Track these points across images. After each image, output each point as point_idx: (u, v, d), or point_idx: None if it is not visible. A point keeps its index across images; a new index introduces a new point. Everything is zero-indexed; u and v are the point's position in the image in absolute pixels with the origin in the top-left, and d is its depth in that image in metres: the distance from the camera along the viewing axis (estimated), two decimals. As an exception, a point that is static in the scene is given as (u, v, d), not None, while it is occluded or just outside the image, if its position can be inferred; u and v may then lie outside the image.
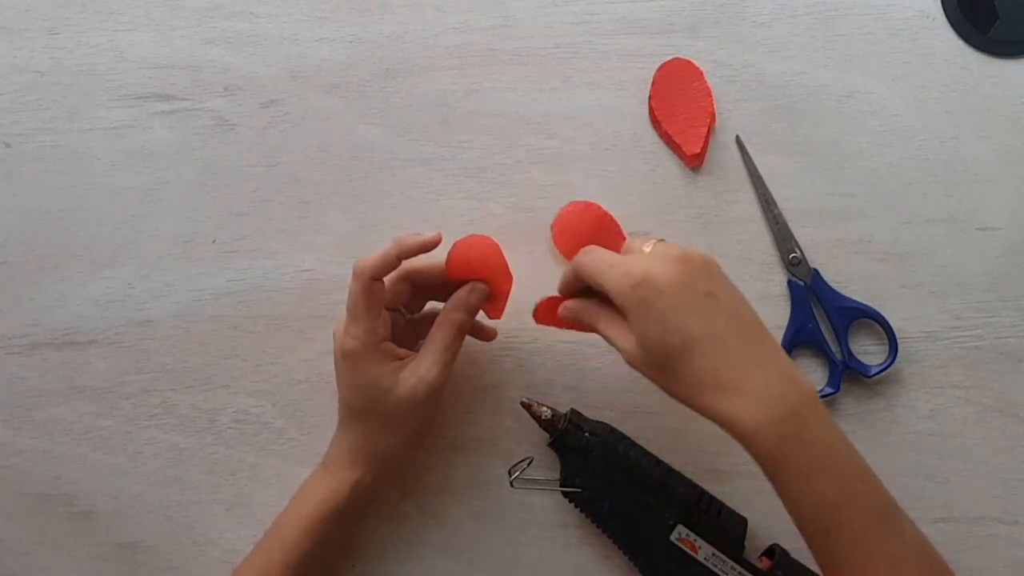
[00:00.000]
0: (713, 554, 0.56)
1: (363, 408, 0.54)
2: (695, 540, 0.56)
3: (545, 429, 0.57)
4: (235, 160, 0.63)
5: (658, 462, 0.57)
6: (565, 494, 0.58)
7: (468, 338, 0.60)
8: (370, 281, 0.52)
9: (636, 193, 0.61)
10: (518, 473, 0.58)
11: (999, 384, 0.59)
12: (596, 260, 0.49)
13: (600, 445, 0.57)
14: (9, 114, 0.63)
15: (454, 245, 0.54)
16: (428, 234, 0.53)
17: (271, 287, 0.62)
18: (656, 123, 0.61)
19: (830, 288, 0.60)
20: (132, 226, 0.63)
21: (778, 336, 0.60)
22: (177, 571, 0.61)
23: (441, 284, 0.55)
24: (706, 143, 0.61)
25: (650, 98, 0.61)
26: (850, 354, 0.60)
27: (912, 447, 0.59)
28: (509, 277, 0.57)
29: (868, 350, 0.60)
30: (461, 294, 0.54)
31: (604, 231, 0.60)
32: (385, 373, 0.53)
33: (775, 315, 0.60)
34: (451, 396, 0.61)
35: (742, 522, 0.56)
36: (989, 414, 0.59)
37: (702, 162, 0.61)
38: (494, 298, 0.56)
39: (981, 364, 0.60)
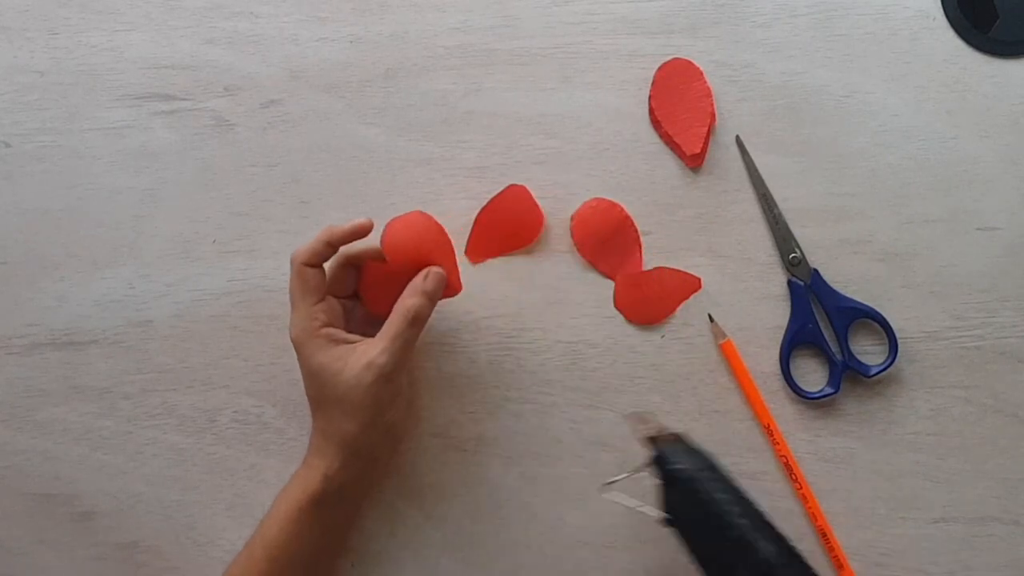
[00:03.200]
0: None
1: (317, 395, 0.54)
2: None
3: (645, 448, 0.54)
4: (235, 160, 0.63)
5: (746, 511, 0.51)
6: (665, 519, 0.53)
7: (469, 337, 0.60)
8: (301, 268, 0.53)
9: (636, 193, 0.61)
10: (614, 480, 0.54)
11: (999, 384, 0.59)
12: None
13: (687, 482, 0.52)
14: (9, 114, 0.63)
15: (386, 227, 0.55)
16: (358, 220, 0.54)
17: (271, 287, 0.62)
18: (656, 123, 0.61)
19: (830, 288, 0.60)
20: (132, 226, 0.63)
21: (778, 336, 0.60)
22: (177, 571, 0.61)
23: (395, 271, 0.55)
24: (706, 143, 0.61)
25: (650, 98, 0.61)
26: (850, 354, 0.60)
27: (912, 447, 0.59)
28: (450, 249, 0.56)
29: (868, 350, 0.60)
30: (416, 280, 0.54)
31: (622, 234, 0.60)
32: (332, 357, 0.53)
33: (775, 315, 0.60)
34: (451, 396, 0.61)
35: None
36: (989, 414, 0.59)
37: (702, 162, 0.61)
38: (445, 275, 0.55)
39: (981, 364, 0.60)
